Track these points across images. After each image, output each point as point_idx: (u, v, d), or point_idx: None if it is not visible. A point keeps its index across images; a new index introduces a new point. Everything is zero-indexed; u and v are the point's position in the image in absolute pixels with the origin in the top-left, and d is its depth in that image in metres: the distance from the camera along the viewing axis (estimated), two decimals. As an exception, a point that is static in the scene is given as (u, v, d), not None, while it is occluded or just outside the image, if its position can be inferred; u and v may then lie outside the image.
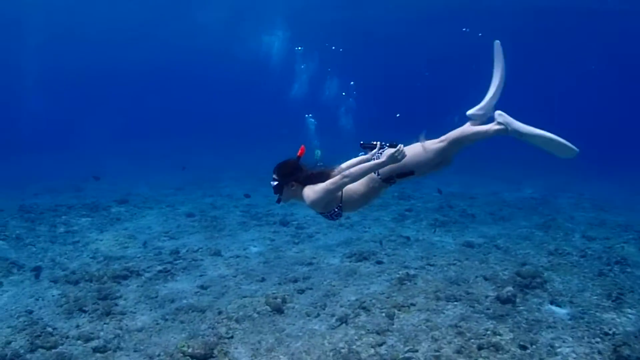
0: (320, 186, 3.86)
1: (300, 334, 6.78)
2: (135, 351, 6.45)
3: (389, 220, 13.30)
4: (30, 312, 7.96)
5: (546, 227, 12.40)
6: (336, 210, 4.07)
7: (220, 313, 7.42)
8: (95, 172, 18.90)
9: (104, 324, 7.33)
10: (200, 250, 10.76)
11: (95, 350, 6.48)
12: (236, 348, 6.44)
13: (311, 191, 3.92)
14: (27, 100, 45.68)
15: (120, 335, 6.93)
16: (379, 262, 9.65)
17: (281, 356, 6.23)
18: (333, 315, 7.30)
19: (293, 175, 4.06)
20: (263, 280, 8.75)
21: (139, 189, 18.96)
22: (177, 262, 9.92)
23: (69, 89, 49.88)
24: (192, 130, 43.19)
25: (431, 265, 9.40)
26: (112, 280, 8.90)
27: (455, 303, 7.44)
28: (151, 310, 7.77)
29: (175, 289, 8.56)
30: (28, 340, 6.82)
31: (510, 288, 7.53)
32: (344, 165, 4.16)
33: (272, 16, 29.09)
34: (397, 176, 4.01)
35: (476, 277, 8.45)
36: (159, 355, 6.36)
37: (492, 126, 3.88)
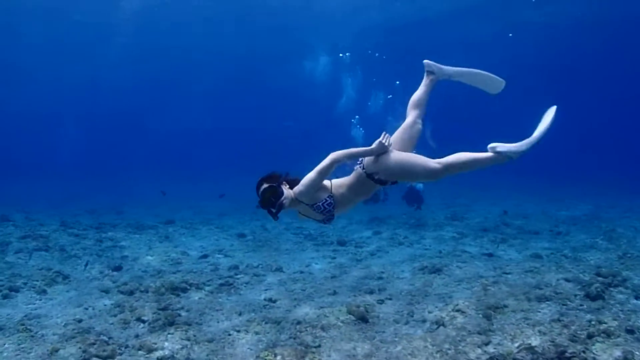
0: (309, 174, 3.95)
1: (396, 339, 6.42)
2: None
3: (448, 238, 13.07)
4: (80, 320, 7.26)
5: (608, 237, 12.35)
6: (327, 199, 4.05)
7: (299, 323, 6.94)
8: (132, 199, 18.14)
9: (168, 334, 6.60)
10: (260, 266, 10.35)
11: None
12: (329, 356, 6.00)
13: (301, 184, 3.99)
14: (67, 129, 46.98)
15: (188, 346, 6.30)
16: (453, 274, 9.25)
17: (384, 361, 5.71)
18: (424, 321, 6.96)
19: (279, 197, 3.98)
20: (335, 293, 8.32)
21: (183, 213, 18.10)
22: (238, 276, 9.48)
23: (106, 118, 50.22)
24: (230, 158, 42.37)
25: (507, 273, 9.10)
26: (171, 292, 8.31)
27: (548, 302, 7.19)
28: (219, 322, 7.22)
29: (241, 301, 8.06)
30: (80, 348, 6.14)
31: (597, 285, 7.45)
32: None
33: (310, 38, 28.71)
34: (378, 180, 4.11)
35: (557, 280, 8.27)
36: (237, 366, 5.74)
37: (490, 154, 3.89)
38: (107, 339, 6.41)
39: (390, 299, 7.89)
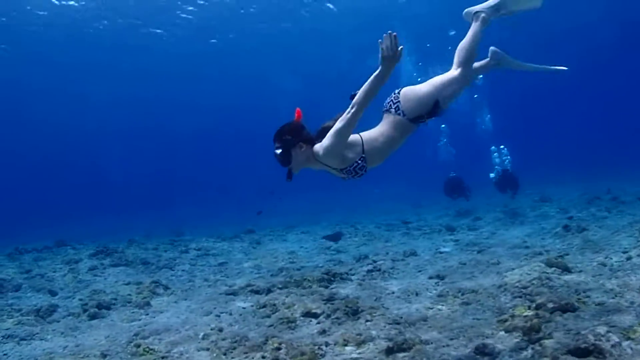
0: (330, 132, 3.34)
1: (614, 278, 5.35)
2: (452, 339, 4.27)
3: (554, 214, 12.05)
4: (220, 329, 5.18)
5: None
6: (359, 162, 3.49)
7: (500, 286, 5.57)
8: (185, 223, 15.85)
9: (367, 321, 4.93)
10: (391, 253, 8.92)
11: (389, 351, 4.06)
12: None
13: (321, 143, 3.40)
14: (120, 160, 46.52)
15: (401, 331, 4.59)
16: (602, 229, 8.63)
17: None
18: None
19: (299, 134, 3.45)
20: (499, 263, 7.01)
21: (254, 226, 15.42)
22: (378, 263, 8.03)
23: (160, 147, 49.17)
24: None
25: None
26: (318, 284, 6.65)
27: None
28: (410, 302, 5.57)
29: (406, 283, 6.58)
30: (263, 357, 4.24)
31: None
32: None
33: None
34: (427, 115, 3.60)
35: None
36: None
37: (478, 22, 3.83)
38: (285, 341, 4.42)
39: (567, 255, 6.90)
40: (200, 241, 11.50)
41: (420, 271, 7.21)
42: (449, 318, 4.73)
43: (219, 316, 5.72)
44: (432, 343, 4.09)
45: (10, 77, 27.98)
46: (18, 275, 8.20)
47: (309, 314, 5.28)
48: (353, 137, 3.45)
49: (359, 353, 4.12)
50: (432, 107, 3.56)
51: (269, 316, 5.42)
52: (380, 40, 3.09)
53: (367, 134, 3.56)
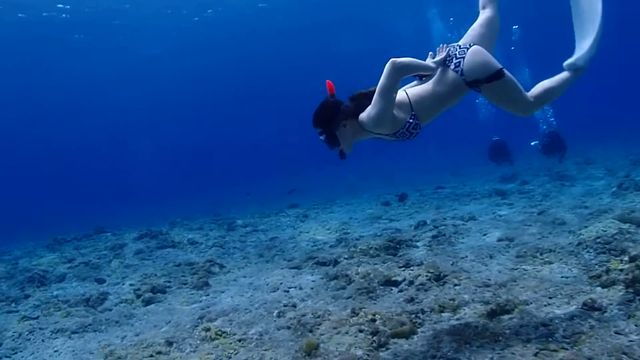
0: (374, 98, 3.09)
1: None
2: (550, 297, 3.90)
3: (603, 175, 11.45)
4: (294, 305, 4.69)
5: None
6: (410, 121, 3.23)
7: (580, 243, 5.15)
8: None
9: (455, 286, 4.54)
10: (448, 219, 8.38)
11: (492, 314, 3.68)
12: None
13: (367, 112, 3.15)
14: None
15: (494, 293, 4.16)
16: None
17: None
18: None
19: (337, 112, 3.23)
20: (564, 223, 6.62)
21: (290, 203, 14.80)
22: (440, 228, 7.48)
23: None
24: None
25: None
26: (386, 252, 6.16)
27: None
28: (487, 265, 5.18)
29: (477, 246, 6.13)
30: (356, 327, 3.80)
31: None
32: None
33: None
34: (485, 79, 3.27)
35: None
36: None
37: (568, 73, 3.55)
38: (379, 312, 4.00)
39: (633, 212, 6.31)
40: (245, 218, 10.90)
41: (485, 234, 6.80)
42: (538, 278, 4.43)
43: (287, 291, 5.21)
44: (532, 303, 3.77)
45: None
46: (61, 266, 7.69)
47: (388, 283, 4.85)
48: (398, 95, 3.21)
49: (458, 319, 3.74)
50: (494, 74, 3.26)
51: (344, 288, 4.94)
52: (438, 48, 3.36)
53: (413, 90, 3.32)
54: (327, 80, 3.28)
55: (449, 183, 14.85)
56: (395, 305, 4.22)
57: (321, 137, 3.27)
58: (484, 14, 3.63)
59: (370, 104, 3.13)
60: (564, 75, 3.52)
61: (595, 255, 4.70)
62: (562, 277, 4.36)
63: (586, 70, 3.53)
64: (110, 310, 5.30)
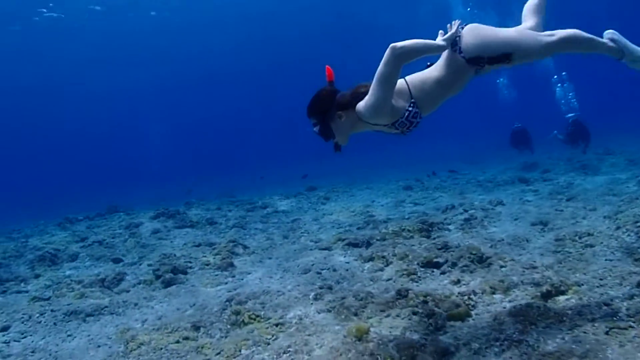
0: (372, 86, 2.83)
1: None
2: (601, 279, 3.74)
3: (626, 165, 11.14)
4: (330, 287, 4.31)
5: None
6: (410, 109, 2.95)
7: (624, 229, 4.94)
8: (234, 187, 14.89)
9: (502, 267, 4.29)
10: (476, 203, 8.09)
11: (547, 295, 3.52)
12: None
13: (364, 102, 2.89)
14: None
15: (544, 275, 3.91)
16: None
17: None
18: None
19: (333, 102, 2.98)
20: (596, 209, 6.48)
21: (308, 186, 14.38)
22: (470, 212, 7.23)
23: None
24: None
25: None
26: (419, 234, 5.90)
27: None
28: (525, 249, 4.95)
29: (511, 231, 5.84)
30: (407, 309, 3.49)
31: None
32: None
33: None
34: (489, 59, 3.01)
35: None
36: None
37: (607, 41, 3.18)
38: (430, 293, 3.72)
39: None
40: (264, 199, 10.46)
41: (516, 219, 6.59)
42: (583, 260, 4.30)
43: (320, 273, 4.83)
44: (583, 284, 3.63)
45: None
46: (73, 245, 7.29)
47: (429, 264, 4.60)
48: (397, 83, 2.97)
49: (511, 300, 3.55)
50: (500, 55, 3.01)
51: (381, 269, 4.69)
52: (449, 25, 3.04)
53: (412, 77, 3.08)
54: (327, 66, 3.06)
55: (464, 170, 14.48)
56: (442, 287, 3.97)
57: (315, 129, 3.05)
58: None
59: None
60: (598, 38, 3.18)
61: (637, 239, 4.62)
62: (606, 259, 4.22)
63: (616, 53, 3.17)
64: (128, 291, 4.91)
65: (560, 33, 3.11)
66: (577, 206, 6.78)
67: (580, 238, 4.89)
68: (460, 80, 3.07)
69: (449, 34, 2.97)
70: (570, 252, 4.52)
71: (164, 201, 12.53)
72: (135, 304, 4.46)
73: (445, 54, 3.05)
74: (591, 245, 4.63)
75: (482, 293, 3.69)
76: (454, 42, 3.00)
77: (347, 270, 4.73)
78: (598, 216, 5.91)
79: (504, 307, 3.39)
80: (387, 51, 2.77)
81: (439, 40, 2.95)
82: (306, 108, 3.04)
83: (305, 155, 32.80)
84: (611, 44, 3.15)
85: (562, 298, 3.41)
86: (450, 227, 6.35)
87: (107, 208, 10.92)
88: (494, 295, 3.64)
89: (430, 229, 6.03)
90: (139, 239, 7.03)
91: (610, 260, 4.16)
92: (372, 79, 2.87)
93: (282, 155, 41.32)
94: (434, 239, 5.60)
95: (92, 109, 41.07)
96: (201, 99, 44.59)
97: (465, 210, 7.35)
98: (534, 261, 4.31)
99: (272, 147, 47.27)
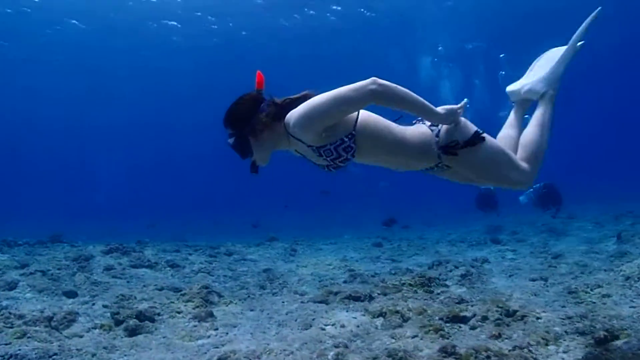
0: (319, 96, 2.38)
1: None
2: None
3: (595, 227, 11.53)
4: (346, 346, 3.59)
5: None
6: (345, 140, 2.45)
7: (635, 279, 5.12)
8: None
9: (538, 319, 4.03)
10: (460, 260, 7.72)
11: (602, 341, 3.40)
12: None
13: (298, 109, 2.40)
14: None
15: (585, 324, 3.78)
16: None
17: None
18: None
19: (256, 112, 2.52)
20: (587, 265, 6.59)
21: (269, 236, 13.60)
22: (461, 267, 6.91)
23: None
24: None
25: None
26: (422, 289, 5.47)
27: None
28: (542, 301, 4.75)
29: (514, 286, 5.73)
30: None
31: None
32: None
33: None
34: (464, 143, 2.62)
35: None
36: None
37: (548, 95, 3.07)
38: (491, 349, 3.29)
39: None
40: (227, 245, 9.55)
41: (511, 275, 6.56)
42: (609, 308, 4.28)
43: (324, 329, 4.12)
44: (628, 328, 3.54)
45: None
46: (12, 270, 6.05)
47: (455, 319, 4.16)
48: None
49: (565, 351, 3.37)
50: (472, 137, 2.65)
51: (400, 326, 4.12)
52: (466, 102, 2.65)
53: (370, 114, 2.59)
54: (258, 71, 2.59)
55: (430, 232, 14.25)
56: (484, 342, 3.54)
57: (229, 141, 2.57)
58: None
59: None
60: (539, 114, 3.03)
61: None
62: (630, 307, 4.28)
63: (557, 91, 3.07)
64: (81, 336, 3.93)
65: (526, 155, 2.89)
66: (567, 262, 6.87)
67: (592, 290, 4.92)
68: (419, 159, 2.66)
69: (452, 107, 2.56)
70: (594, 302, 4.52)
71: (111, 237, 11.31)
72: (93, 355, 3.52)
73: (421, 127, 2.69)
74: (608, 295, 4.66)
75: (537, 345, 3.43)
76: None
77: (357, 326, 4.10)
78: (596, 270, 6.04)
79: (563, 358, 3.25)
80: (366, 80, 2.33)
81: (441, 108, 2.52)
82: (225, 113, 2.57)
83: (252, 204, 32.23)
84: (552, 91, 3.06)
85: (619, 342, 3.26)
86: (448, 282, 5.99)
87: (50, 237, 9.63)
88: (548, 347, 3.44)
89: (429, 283, 5.57)
90: (89, 274, 5.95)
91: (634, 307, 4.20)
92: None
93: (229, 202, 40.52)
94: (439, 294, 5.19)
95: (45, 137, 39.24)
96: (155, 140, 43.56)
97: (456, 267, 6.99)
98: (566, 312, 4.10)
99: (219, 193, 46.31)
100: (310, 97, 2.44)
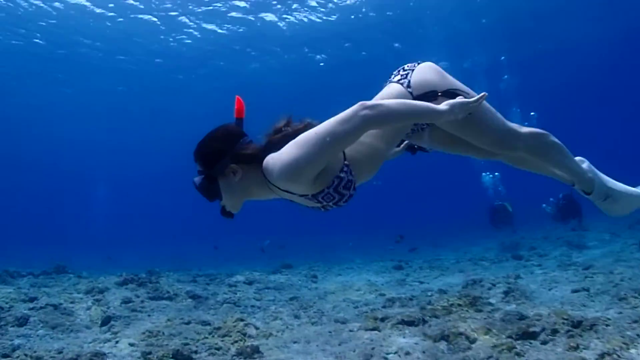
0: (301, 138, 1.96)
1: None
2: None
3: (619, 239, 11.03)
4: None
5: None
6: (342, 176, 2.06)
7: None
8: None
9: (606, 326, 3.97)
10: (492, 278, 7.53)
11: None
12: None
13: (278, 155, 1.96)
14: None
15: None
16: None
17: None
18: None
19: (232, 148, 2.07)
20: (622, 272, 6.47)
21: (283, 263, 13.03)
22: (499, 284, 6.75)
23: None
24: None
25: None
26: (472, 308, 5.15)
27: None
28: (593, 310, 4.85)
29: (560, 299, 5.63)
30: None
31: None
32: None
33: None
34: (442, 94, 2.30)
35: None
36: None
37: (585, 168, 2.74)
38: None
39: None
40: (244, 274, 9.02)
41: (550, 289, 6.44)
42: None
43: (386, 358, 3.82)
44: None
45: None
46: (20, 304, 5.52)
47: (525, 335, 3.97)
48: None
49: None
50: (452, 93, 2.30)
51: (469, 348, 3.91)
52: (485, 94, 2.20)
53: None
54: (237, 97, 2.22)
55: (445, 253, 13.62)
56: (564, 356, 3.50)
57: (194, 180, 2.11)
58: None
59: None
60: (577, 164, 2.70)
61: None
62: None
63: (587, 183, 2.72)
64: (113, 383, 3.41)
65: (532, 129, 2.57)
66: (602, 272, 6.78)
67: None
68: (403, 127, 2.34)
69: (465, 100, 2.14)
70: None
71: (116, 267, 10.76)
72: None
73: (389, 88, 2.35)
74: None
75: (620, 349, 3.43)
76: (403, 75, 2.34)
77: (423, 352, 3.87)
78: (635, 276, 6.06)
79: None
80: (353, 108, 1.94)
81: (443, 105, 2.09)
82: (196, 146, 2.15)
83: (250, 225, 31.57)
84: (589, 174, 2.70)
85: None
86: (491, 300, 5.70)
87: (54, 267, 9.04)
88: (630, 351, 3.44)
89: (475, 302, 5.23)
90: (105, 308, 5.42)
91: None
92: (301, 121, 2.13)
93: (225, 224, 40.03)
94: (491, 312, 4.94)
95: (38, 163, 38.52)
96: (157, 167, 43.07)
97: (493, 285, 6.80)
98: (629, 316, 4.15)
99: (211, 215, 45.82)
100: (311, 128, 2.03)
